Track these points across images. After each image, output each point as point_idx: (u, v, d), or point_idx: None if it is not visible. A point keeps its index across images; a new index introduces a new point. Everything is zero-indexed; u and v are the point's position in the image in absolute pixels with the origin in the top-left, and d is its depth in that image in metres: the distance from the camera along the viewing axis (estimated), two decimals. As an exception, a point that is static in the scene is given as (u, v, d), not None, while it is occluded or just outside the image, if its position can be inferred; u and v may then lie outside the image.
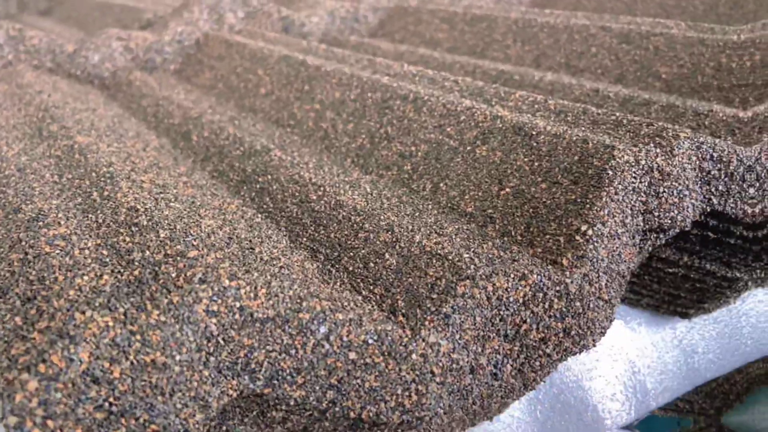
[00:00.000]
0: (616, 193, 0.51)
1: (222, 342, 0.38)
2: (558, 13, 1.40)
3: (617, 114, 0.63)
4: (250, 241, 0.49)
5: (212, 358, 0.38)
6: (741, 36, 0.96)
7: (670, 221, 0.55)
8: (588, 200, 0.51)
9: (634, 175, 0.53)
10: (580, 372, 0.69)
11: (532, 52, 1.23)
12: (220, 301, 0.40)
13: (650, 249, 0.59)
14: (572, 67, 1.12)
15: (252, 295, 0.40)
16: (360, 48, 1.51)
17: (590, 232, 0.49)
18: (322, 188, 0.61)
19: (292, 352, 0.39)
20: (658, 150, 0.55)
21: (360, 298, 0.45)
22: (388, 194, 0.63)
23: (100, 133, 0.74)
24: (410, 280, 0.45)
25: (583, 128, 0.63)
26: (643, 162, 0.54)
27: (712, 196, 0.57)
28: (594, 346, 0.48)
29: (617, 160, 0.53)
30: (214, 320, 0.39)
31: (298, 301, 0.40)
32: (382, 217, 0.54)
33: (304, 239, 0.55)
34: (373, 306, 0.44)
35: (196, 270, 0.41)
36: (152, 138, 0.84)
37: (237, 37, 1.38)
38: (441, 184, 0.63)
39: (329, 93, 0.92)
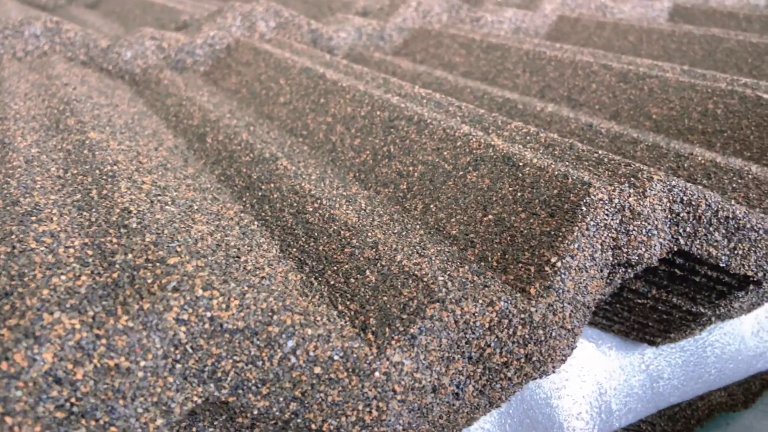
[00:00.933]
0: (587, 229, 0.52)
1: (190, 350, 0.39)
2: (566, 48, 1.41)
3: (599, 152, 0.64)
4: (239, 249, 0.50)
5: (178, 365, 0.39)
6: (728, 85, 0.96)
7: (637, 258, 0.56)
8: (561, 233, 0.52)
9: (606, 212, 0.54)
10: (549, 390, 0.70)
11: (539, 83, 1.24)
12: (191, 310, 0.40)
13: (620, 281, 0.59)
14: (573, 100, 1.13)
15: (224, 306, 0.41)
16: (382, 65, 1.53)
17: (559, 264, 0.50)
18: (319, 200, 0.63)
19: (259, 363, 0.40)
20: (631, 190, 0.56)
21: (335, 313, 0.46)
22: (381, 211, 0.64)
23: (114, 130, 0.76)
24: (385, 298, 0.46)
25: (567, 163, 0.64)
26: (616, 201, 0.55)
27: (680, 237, 0.58)
28: (554, 372, 0.48)
29: (592, 197, 0.54)
30: (183, 328, 0.40)
31: (270, 314, 0.41)
32: (369, 234, 0.55)
33: (294, 250, 0.56)
34: (346, 321, 0.45)
35: (172, 278, 0.42)
36: (168, 137, 0.85)
37: (265, 45, 1.40)
38: (431, 206, 0.64)
39: (342, 108, 0.93)
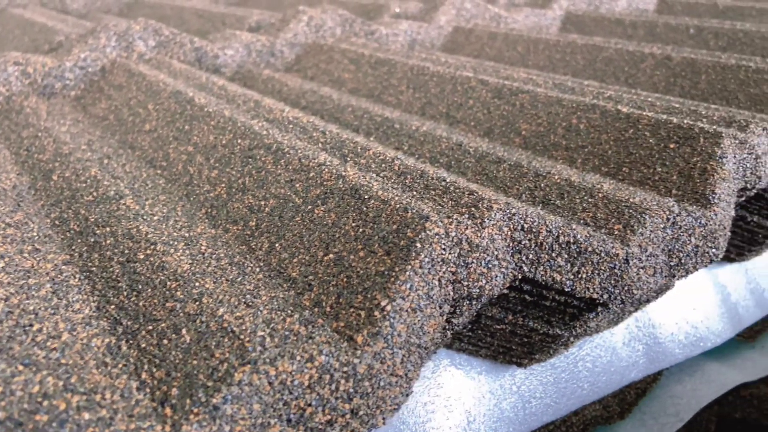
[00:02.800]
0: (421, 267, 0.50)
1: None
2: (450, 62, 1.41)
3: (447, 180, 0.63)
4: (37, 314, 0.45)
5: None
6: (593, 98, 0.98)
7: (478, 290, 0.54)
8: (394, 273, 0.50)
9: (443, 247, 0.52)
10: (414, 425, 0.68)
11: (421, 100, 1.23)
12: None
13: (469, 313, 0.58)
14: (451, 117, 1.12)
15: (-27, 398, 0.36)
16: (269, 83, 1.49)
17: (389, 307, 0.47)
18: (153, 246, 0.58)
19: (20, 458, 0.36)
20: (469, 222, 0.55)
21: (135, 384, 0.42)
22: (223, 253, 0.60)
23: (-69, 181, 0.68)
24: (195, 362, 0.43)
25: (414, 193, 0.62)
26: (453, 234, 0.53)
27: (523, 265, 0.57)
28: (384, 424, 0.46)
29: (428, 232, 0.52)
30: None
31: (40, 399, 0.37)
32: (197, 284, 0.51)
33: (113, 307, 0.51)
34: (145, 394, 0.41)
35: None
36: (10, 177, 0.78)
37: (141, 67, 1.33)
38: (277, 244, 0.61)
39: (205, 135, 0.89)
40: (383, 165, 0.70)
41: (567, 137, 0.90)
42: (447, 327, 0.60)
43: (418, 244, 0.51)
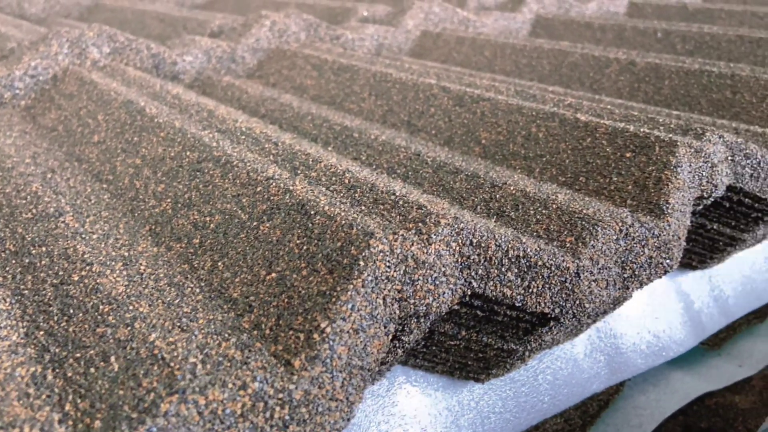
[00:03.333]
0: (363, 286, 0.50)
1: None
2: (415, 69, 1.42)
3: (397, 193, 0.63)
4: (-47, 345, 0.43)
5: None
6: (553, 106, 0.99)
7: (425, 308, 0.54)
8: (335, 293, 0.49)
9: (388, 264, 0.52)
10: (367, 444, 0.67)
11: (383, 107, 1.23)
12: None
13: (418, 331, 0.58)
14: (412, 125, 1.12)
15: None
16: (229, 90, 1.47)
17: (329, 329, 0.47)
18: (89, 266, 0.57)
19: None
20: (415, 238, 0.54)
21: (57, 417, 0.40)
22: (162, 273, 0.59)
23: None
24: (121, 392, 0.42)
25: (362, 208, 0.62)
26: (398, 251, 0.53)
27: (473, 280, 0.57)
28: (321, 449, 0.45)
29: (372, 249, 0.52)
30: None
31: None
32: (131, 308, 0.50)
33: (41, 333, 0.50)
34: (67, 428, 0.40)
35: None
36: (-55, 195, 0.76)
37: (93, 75, 1.31)
38: (220, 263, 0.60)
39: (153, 147, 0.87)
40: (334, 178, 0.69)
41: (526, 146, 0.91)
42: (398, 345, 0.59)
43: (362, 262, 0.51)
